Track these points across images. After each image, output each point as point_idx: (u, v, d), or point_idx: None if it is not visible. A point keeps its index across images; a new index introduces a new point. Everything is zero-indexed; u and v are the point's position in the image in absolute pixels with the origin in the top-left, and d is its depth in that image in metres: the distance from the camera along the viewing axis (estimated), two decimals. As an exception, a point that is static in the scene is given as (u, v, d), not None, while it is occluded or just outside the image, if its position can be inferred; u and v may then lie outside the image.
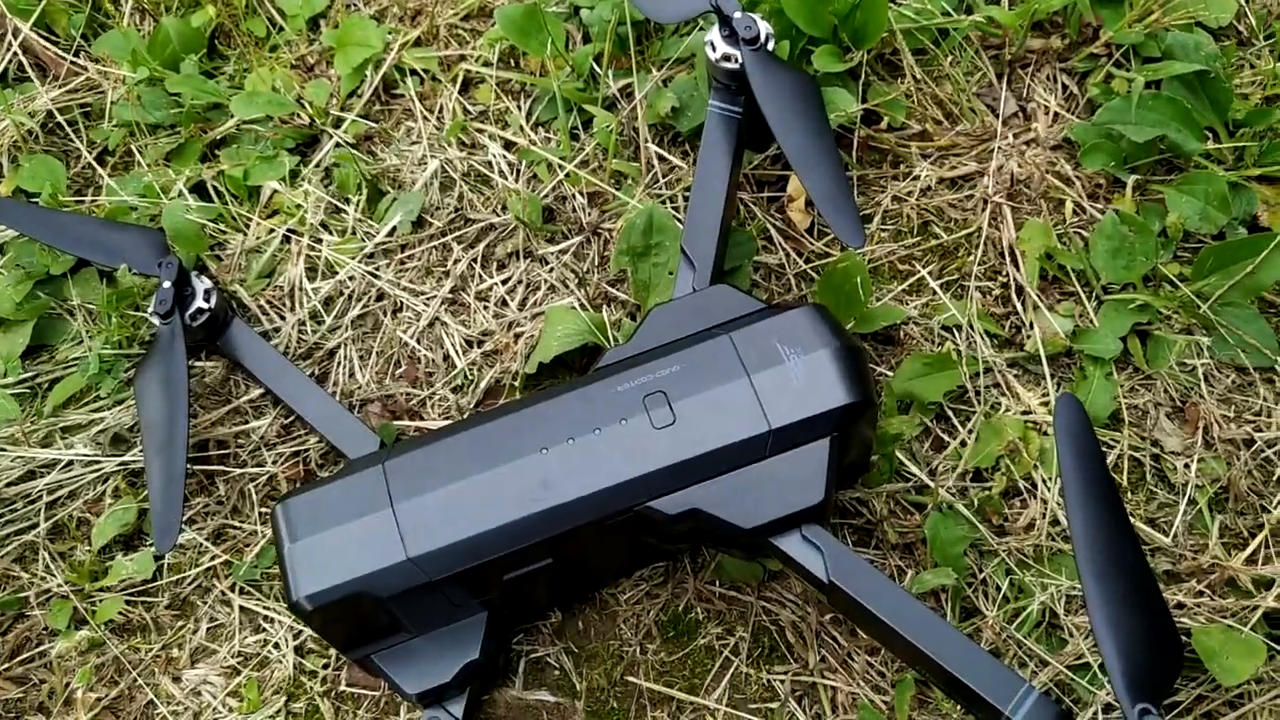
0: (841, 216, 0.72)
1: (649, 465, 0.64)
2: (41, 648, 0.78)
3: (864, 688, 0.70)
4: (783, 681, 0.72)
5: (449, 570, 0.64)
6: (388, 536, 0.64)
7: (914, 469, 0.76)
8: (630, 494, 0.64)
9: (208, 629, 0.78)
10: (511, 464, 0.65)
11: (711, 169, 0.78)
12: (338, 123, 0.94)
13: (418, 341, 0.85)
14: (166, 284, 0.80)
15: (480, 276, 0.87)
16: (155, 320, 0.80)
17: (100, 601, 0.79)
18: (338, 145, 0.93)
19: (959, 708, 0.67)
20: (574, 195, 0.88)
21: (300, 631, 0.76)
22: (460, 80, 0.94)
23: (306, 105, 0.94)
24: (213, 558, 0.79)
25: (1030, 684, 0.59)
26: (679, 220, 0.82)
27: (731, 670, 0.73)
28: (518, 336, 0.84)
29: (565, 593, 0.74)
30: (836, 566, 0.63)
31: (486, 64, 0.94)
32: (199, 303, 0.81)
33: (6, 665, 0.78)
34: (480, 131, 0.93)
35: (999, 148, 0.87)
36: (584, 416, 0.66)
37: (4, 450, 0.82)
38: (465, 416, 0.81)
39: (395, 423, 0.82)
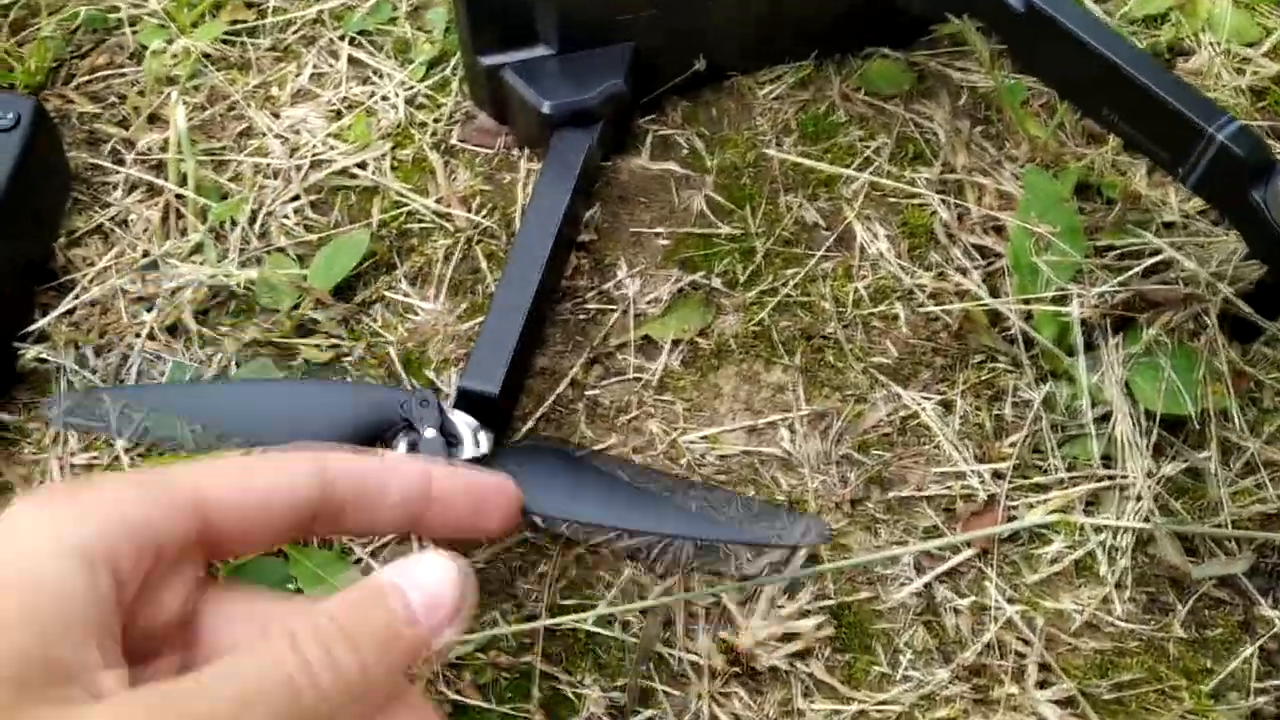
0: None
1: None
2: (124, 70, 0.73)
3: (1016, 185, 0.67)
4: (928, 180, 0.68)
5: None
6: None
7: None
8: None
9: (312, 74, 0.72)
10: None
11: None
12: None
13: None
14: None
15: None
16: None
17: (195, 31, 0.73)
18: None
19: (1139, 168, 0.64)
20: None
21: (413, 86, 0.71)
22: None
23: None
24: (320, 10, 0.74)
25: (1231, 116, 0.55)
26: None
27: (872, 168, 0.69)
28: None
29: (713, 47, 0.69)
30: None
31: None
32: None
33: (88, 79, 0.72)
34: None
35: None
36: None
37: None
38: None
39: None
